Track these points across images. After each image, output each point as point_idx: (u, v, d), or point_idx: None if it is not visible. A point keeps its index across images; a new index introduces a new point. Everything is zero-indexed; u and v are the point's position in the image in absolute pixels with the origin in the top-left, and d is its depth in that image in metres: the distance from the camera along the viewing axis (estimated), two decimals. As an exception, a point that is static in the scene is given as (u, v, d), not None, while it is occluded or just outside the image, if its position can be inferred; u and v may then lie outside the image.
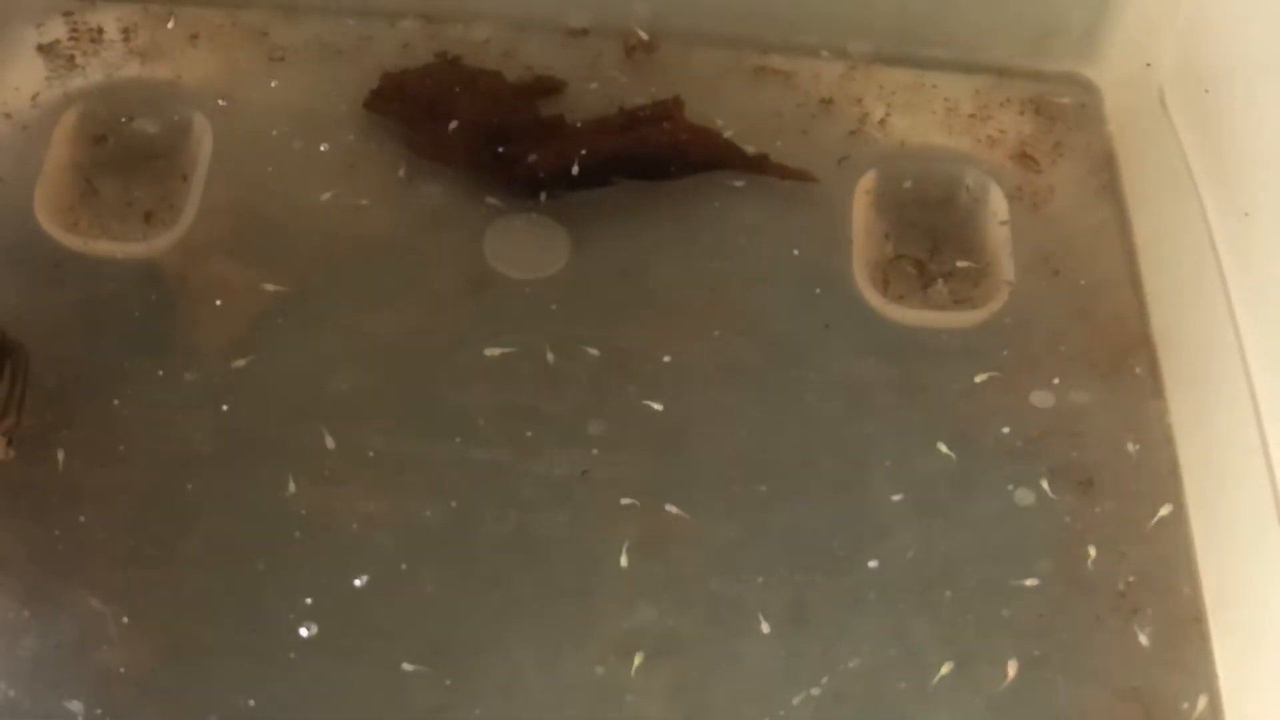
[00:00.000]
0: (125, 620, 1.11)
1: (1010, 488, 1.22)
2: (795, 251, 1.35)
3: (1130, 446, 1.25)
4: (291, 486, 1.19)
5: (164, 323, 1.28)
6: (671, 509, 1.20)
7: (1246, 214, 1.24)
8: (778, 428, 1.25)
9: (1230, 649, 1.14)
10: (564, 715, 1.11)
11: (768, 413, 1.26)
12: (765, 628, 1.14)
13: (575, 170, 1.37)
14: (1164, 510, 1.21)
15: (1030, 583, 1.17)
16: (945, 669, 1.13)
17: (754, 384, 1.27)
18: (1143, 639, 1.15)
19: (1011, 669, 1.13)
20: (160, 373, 1.24)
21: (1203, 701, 1.12)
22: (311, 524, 1.17)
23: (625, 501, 1.20)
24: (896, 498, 1.21)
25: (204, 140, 1.39)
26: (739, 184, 1.40)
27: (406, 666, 1.11)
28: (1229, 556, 1.17)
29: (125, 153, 1.40)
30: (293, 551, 1.16)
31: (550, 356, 1.27)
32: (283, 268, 1.31)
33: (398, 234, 1.35)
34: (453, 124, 1.39)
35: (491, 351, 1.27)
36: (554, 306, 1.31)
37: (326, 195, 1.37)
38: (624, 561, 1.17)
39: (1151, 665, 1.14)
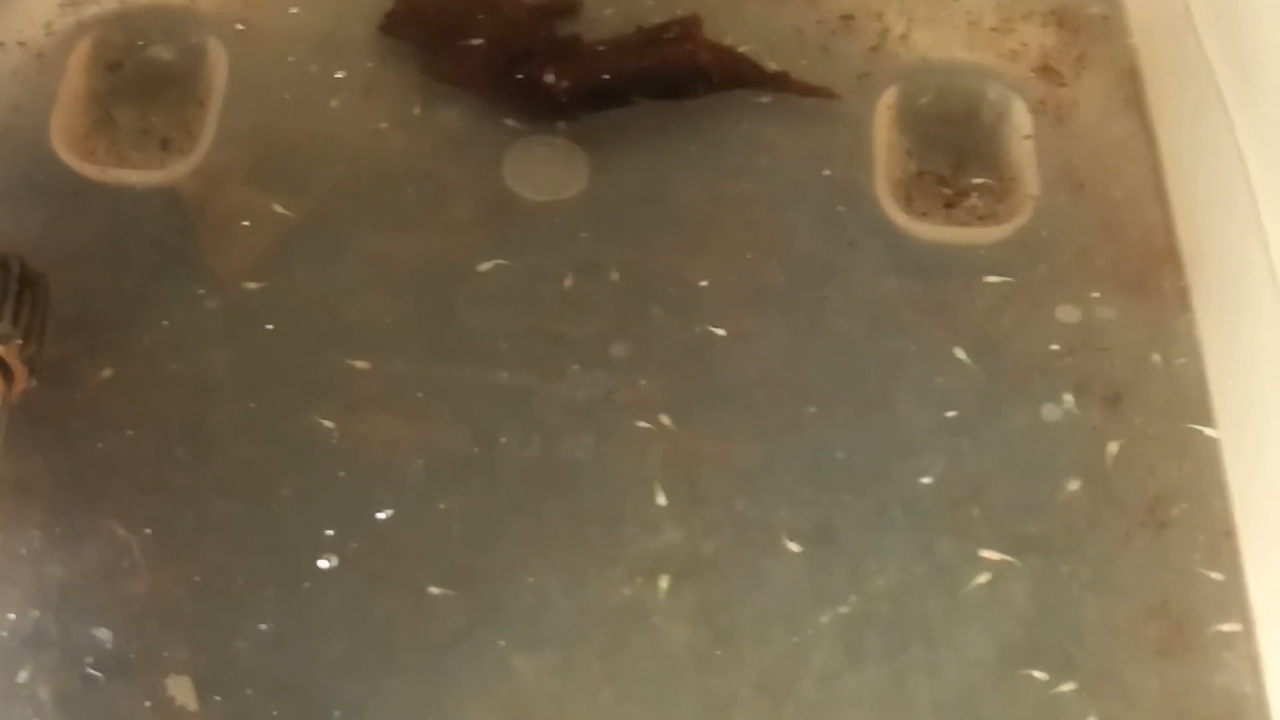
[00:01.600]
0: (150, 547, 1.12)
1: (1037, 403, 1.21)
2: (817, 170, 1.34)
3: (1157, 361, 1.24)
4: (314, 413, 1.19)
5: (184, 250, 1.28)
6: (696, 430, 1.19)
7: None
8: (803, 348, 1.25)
9: (1261, 561, 1.13)
10: (591, 637, 1.11)
11: (792, 333, 1.25)
12: (792, 547, 1.14)
13: (595, 90, 1.36)
14: (1192, 425, 1.20)
15: (1058, 498, 1.16)
16: (973, 586, 1.13)
17: (778, 304, 1.27)
18: (1172, 555, 1.15)
19: (1040, 585, 1.13)
20: (181, 299, 1.24)
21: (1235, 617, 1.12)
22: (337, 450, 1.17)
23: (650, 424, 1.19)
24: (923, 415, 1.20)
25: (220, 66, 1.38)
26: (762, 100, 1.38)
27: (432, 590, 1.11)
28: (1259, 470, 1.16)
29: (141, 80, 1.39)
30: (318, 478, 1.16)
31: (572, 279, 1.26)
32: (301, 193, 1.31)
33: (416, 158, 1.35)
34: (476, 41, 1.38)
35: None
36: (575, 229, 1.30)
37: (344, 120, 1.36)
38: (649, 484, 1.16)
39: (1181, 581, 1.14)
